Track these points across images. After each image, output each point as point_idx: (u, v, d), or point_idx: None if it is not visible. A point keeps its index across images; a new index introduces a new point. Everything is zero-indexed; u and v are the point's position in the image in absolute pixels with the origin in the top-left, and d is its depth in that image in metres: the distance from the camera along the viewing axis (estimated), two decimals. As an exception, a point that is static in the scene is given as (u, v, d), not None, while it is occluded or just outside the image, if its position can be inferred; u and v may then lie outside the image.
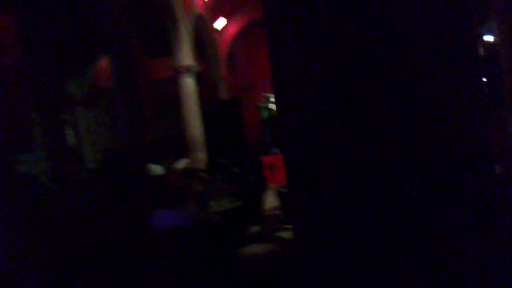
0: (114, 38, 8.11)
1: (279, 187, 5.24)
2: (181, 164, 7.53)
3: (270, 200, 4.85)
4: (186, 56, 9.84)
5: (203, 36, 12.07)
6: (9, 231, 3.95)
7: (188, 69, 9.85)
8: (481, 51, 10.47)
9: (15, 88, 6.81)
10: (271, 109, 10.49)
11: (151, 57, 9.84)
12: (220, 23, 12.69)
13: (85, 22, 8.23)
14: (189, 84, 9.84)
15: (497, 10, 8.08)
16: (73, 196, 5.74)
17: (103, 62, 8.57)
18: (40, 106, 7.82)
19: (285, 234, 3.79)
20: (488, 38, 10.95)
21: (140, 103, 8.39)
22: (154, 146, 8.00)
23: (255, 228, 4.13)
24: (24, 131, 7.31)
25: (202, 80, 10.79)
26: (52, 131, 8.06)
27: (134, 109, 8.02)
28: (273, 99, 11.68)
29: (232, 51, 14.13)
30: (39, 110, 7.88)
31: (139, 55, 8.74)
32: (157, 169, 7.25)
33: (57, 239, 4.28)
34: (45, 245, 4.11)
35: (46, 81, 7.97)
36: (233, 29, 13.61)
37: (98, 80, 9.63)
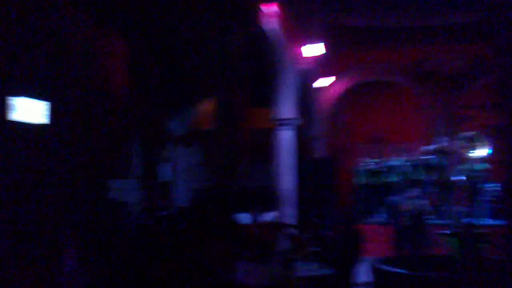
0: (222, 83, 8.33)
1: (374, 261, 4.73)
2: (270, 216, 7.26)
3: (363, 274, 4.35)
4: (287, 109, 9.81)
5: (307, 92, 12.04)
6: (91, 253, 3.91)
7: (287, 122, 9.77)
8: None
9: (121, 116, 7.12)
10: (370, 175, 10.01)
11: (252, 106, 9.95)
12: (325, 81, 12.63)
13: (194, 64, 8.56)
14: (287, 137, 9.74)
15: None
16: (157, 229, 5.68)
17: (207, 105, 8.80)
18: (142, 138, 8.12)
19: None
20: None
21: (237, 149, 8.40)
22: (245, 193, 7.86)
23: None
24: (123, 159, 7.59)
25: (300, 134, 10.64)
26: (150, 164, 8.31)
27: (231, 154, 8.03)
28: (373, 165, 11.15)
29: (334, 110, 13.93)
30: (141, 142, 8.19)
31: (242, 103, 8.87)
32: (244, 218, 7.07)
33: (133, 266, 4.18)
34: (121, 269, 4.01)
35: (151, 115, 8.32)
36: (338, 89, 13.48)
37: (200, 122, 9.88)
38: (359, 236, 5.52)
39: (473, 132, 10.69)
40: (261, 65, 10.07)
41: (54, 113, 4.25)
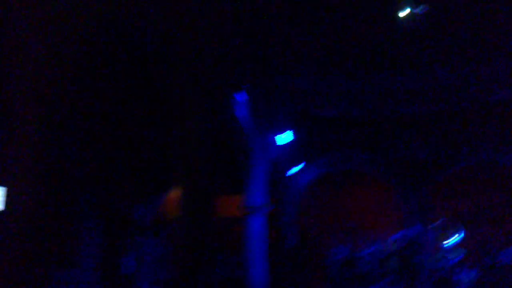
0: (190, 169, 8.13)
1: None
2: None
3: None
4: (258, 196, 9.63)
5: (277, 179, 11.95)
6: None
7: (258, 210, 9.55)
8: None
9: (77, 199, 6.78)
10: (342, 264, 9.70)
11: (222, 193, 9.74)
12: (296, 169, 12.61)
13: (162, 149, 8.43)
14: (257, 224, 9.46)
15: None
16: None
17: (174, 192, 8.55)
18: (104, 226, 7.70)
19: None
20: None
21: (205, 238, 8.02)
22: (213, 286, 7.38)
23: None
24: (77, 246, 7.10)
25: (271, 223, 10.37)
26: (112, 254, 7.79)
27: (199, 243, 7.62)
28: (345, 254, 10.86)
29: (306, 198, 13.78)
30: (103, 230, 7.75)
31: (211, 190, 8.65)
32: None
33: None
34: None
35: (114, 201, 7.97)
36: (309, 177, 13.44)
37: (167, 210, 9.55)
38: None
39: (445, 220, 10.66)
40: (231, 152, 10.03)
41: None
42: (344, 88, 11.64)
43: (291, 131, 10.82)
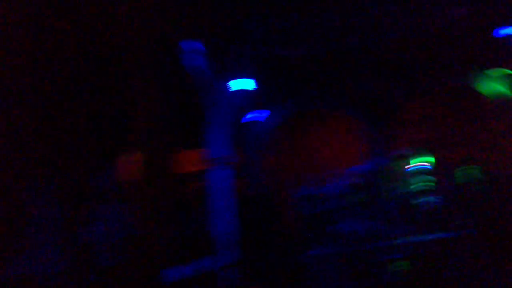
0: (145, 128, 7.86)
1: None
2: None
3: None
4: (220, 148, 9.43)
5: (241, 128, 11.77)
6: None
7: (222, 161, 9.38)
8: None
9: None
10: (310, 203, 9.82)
11: (182, 149, 9.52)
12: (260, 114, 12.43)
13: (116, 109, 8.08)
14: (222, 176, 9.31)
15: None
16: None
17: (131, 154, 8.28)
18: (58, 195, 7.46)
19: None
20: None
21: (166, 198, 7.89)
22: (178, 243, 7.35)
23: None
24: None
25: (237, 173, 10.29)
26: (69, 224, 7.61)
27: (160, 204, 7.51)
28: (312, 192, 10.97)
29: (271, 143, 13.72)
30: (56, 200, 7.51)
31: (169, 147, 8.41)
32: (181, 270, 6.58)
33: None
34: None
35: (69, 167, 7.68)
36: (274, 121, 13.30)
37: (124, 174, 9.30)
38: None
39: (408, 148, 10.77)
40: (188, 105, 9.74)
41: None
42: (303, 26, 11.28)
43: (253, 77, 10.57)
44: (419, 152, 10.21)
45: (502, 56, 10.85)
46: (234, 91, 10.47)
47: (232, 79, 10.24)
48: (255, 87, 10.38)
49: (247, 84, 10.45)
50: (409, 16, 9.87)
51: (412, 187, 9.65)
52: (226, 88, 10.02)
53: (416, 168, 9.99)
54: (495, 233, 8.40)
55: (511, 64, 11.30)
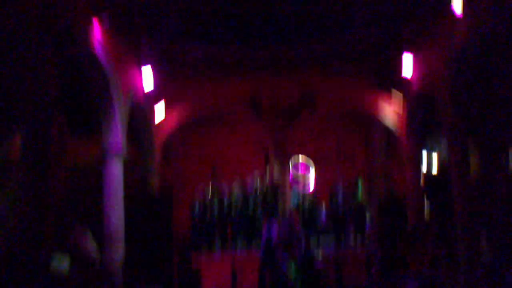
0: (28, 108, 7.08)
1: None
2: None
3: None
4: (114, 141, 8.94)
5: (138, 125, 11.29)
6: None
7: (114, 155, 8.90)
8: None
9: None
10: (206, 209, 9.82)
11: (73, 138, 8.88)
12: (159, 112, 12.01)
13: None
14: (114, 171, 8.85)
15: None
16: None
17: (12, 140, 7.47)
18: None
19: None
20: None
21: (51, 189, 7.24)
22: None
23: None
24: None
25: (133, 169, 9.85)
26: None
27: (43, 196, 6.78)
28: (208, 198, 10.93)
29: (169, 143, 13.33)
30: None
31: (58, 134, 7.75)
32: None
33: None
34: None
35: None
36: (173, 121, 12.94)
37: (11, 157, 8.42)
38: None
39: (302, 158, 11.15)
40: (83, 93, 9.09)
41: None
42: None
43: (151, 75, 10.30)
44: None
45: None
46: (135, 86, 10.15)
47: (134, 73, 9.90)
48: (152, 88, 10.24)
49: (147, 81, 10.27)
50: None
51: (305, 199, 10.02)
52: (127, 82, 9.64)
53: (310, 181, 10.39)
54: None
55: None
